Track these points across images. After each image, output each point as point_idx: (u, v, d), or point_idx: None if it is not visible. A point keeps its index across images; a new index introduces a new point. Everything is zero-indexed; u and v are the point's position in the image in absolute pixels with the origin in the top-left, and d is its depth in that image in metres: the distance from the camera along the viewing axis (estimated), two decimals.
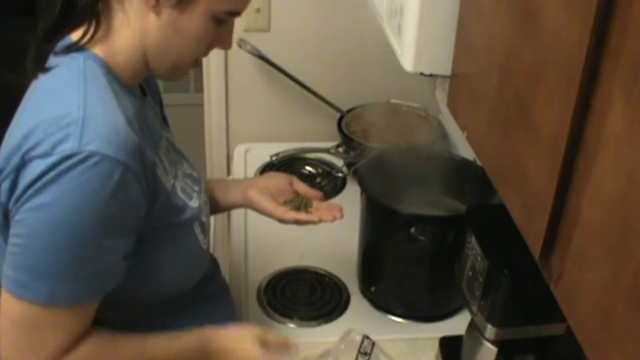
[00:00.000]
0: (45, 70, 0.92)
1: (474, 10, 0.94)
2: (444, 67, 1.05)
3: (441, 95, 1.78)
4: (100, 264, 0.90)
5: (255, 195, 1.24)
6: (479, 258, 1.06)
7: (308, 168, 1.85)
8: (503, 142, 0.82)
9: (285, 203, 1.23)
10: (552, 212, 0.68)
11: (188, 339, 1.01)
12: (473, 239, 1.08)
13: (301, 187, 1.27)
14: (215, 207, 1.25)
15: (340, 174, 1.84)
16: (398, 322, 1.40)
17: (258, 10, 1.83)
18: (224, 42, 1.01)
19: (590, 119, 0.62)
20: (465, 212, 1.18)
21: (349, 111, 1.86)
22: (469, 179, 1.37)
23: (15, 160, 0.85)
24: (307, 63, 1.89)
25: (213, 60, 1.89)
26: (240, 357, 1.03)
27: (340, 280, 1.48)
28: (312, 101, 1.90)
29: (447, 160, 1.46)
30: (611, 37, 0.58)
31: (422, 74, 1.07)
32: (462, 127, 0.98)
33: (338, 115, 1.85)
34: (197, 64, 1.02)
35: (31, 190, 0.84)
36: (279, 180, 1.29)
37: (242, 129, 1.98)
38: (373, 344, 1.28)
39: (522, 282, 1.01)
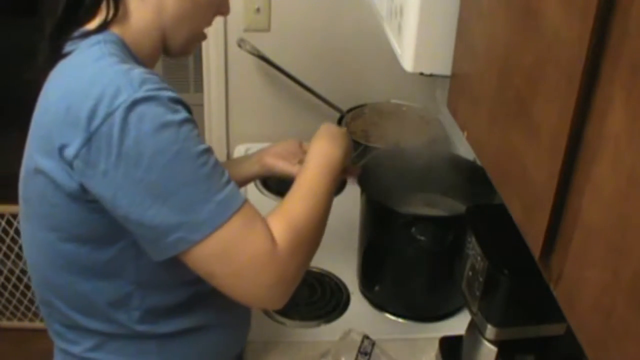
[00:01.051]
0: (64, 56, 0.94)
1: (474, 10, 0.94)
2: (444, 67, 1.04)
3: (441, 95, 1.78)
4: (218, 165, 0.92)
5: (271, 161, 1.30)
6: (479, 258, 1.06)
7: None
8: (503, 142, 0.82)
9: (300, 163, 1.28)
10: (552, 212, 0.68)
11: (314, 160, 1.09)
12: (473, 239, 1.08)
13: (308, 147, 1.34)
14: None
15: None
16: (398, 322, 1.40)
17: (258, 10, 1.83)
18: (224, 7, 1.08)
19: (590, 118, 0.62)
20: (465, 212, 1.18)
21: (349, 111, 1.86)
22: (469, 179, 1.37)
23: (80, 135, 0.85)
24: (307, 63, 1.89)
25: (213, 60, 1.89)
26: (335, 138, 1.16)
27: (340, 280, 1.48)
28: (312, 101, 1.90)
29: (447, 160, 1.46)
30: (611, 37, 0.58)
31: (422, 74, 1.07)
32: (462, 127, 0.98)
33: (338, 115, 1.85)
34: (205, 37, 1.09)
35: (113, 157, 0.85)
36: (288, 144, 1.35)
37: (242, 129, 1.98)
38: (373, 344, 1.28)
39: (522, 282, 1.01)
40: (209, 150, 0.91)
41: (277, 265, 0.93)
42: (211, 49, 1.87)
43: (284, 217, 0.97)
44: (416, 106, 1.87)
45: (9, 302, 2.63)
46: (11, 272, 2.61)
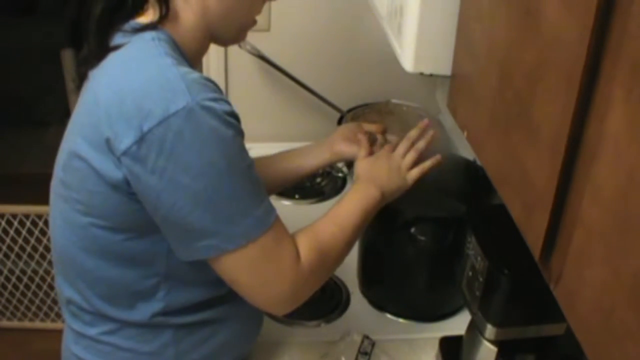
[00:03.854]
0: (115, 48, 0.94)
1: (474, 10, 0.94)
2: (444, 67, 1.05)
3: (441, 95, 1.78)
4: (259, 179, 0.95)
5: (343, 147, 1.33)
6: (479, 258, 1.06)
7: None
8: (503, 142, 0.82)
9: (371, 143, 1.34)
10: (552, 212, 0.68)
11: (351, 196, 1.14)
12: (473, 239, 1.08)
13: (369, 127, 1.39)
14: (297, 173, 1.36)
15: (340, 174, 1.84)
16: (398, 322, 1.40)
17: None
18: None
19: (590, 119, 0.62)
20: (465, 212, 1.18)
21: (349, 111, 1.86)
22: (469, 179, 1.37)
23: (133, 133, 0.86)
24: (307, 63, 1.89)
25: (213, 60, 1.89)
26: (385, 172, 1.20)
27: (340, 280, 1.48)
28: (312, 101, 1.90)
29: (447, 161, 1.45)
30: (611, 37, 0.58)
31: (422, 74, 1.07)
32: (462, 127, 0.98)
33: (338, 115, 1.85)
34: (255, 22, 1.08)
35: (162, 159, 0.86)
36: (351, 127, 1.39)
37: None
38: (373, 344, 1.28)
39: (522, 282, 1.01)
40: (252, 165, 0.93)
41: (297, 281, 0.98)
42: (211, 49, 1.86)
43: (312, 239, 1.01)
44: (416, 106, 1.87)
45: (9, 302, 2.62)
46: (11, 272, 2.60)
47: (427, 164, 1.25)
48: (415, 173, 1.23)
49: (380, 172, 1.20)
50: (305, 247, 0.99)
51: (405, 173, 1.22)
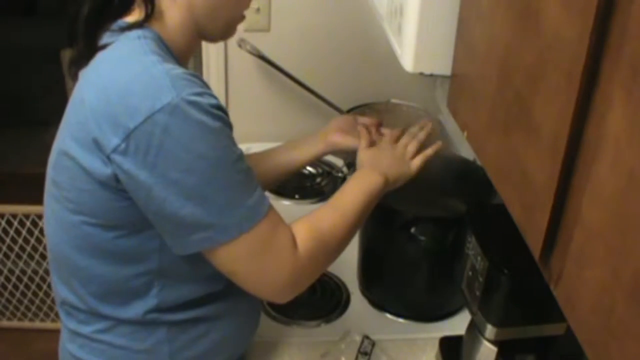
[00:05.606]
0: (103, 47, 0.95)
1: (474, 10, 0.95)
2: (444, 67, 1.05)
3: (441, 95, 1.78)
4: (250, 170, 0.95)
5: (337, 138, 1.34)
6: (479, 258, 1.06)
7: (308, 168, 1.85)
8: (503, 142, 0.82)
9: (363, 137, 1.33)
10: (552, 212, 0.68)
11: (353, 181, 1.15)
12: (473, 239, 1.08)
13: (364, 119, 1.39)
14: (290, 166, 1.36)
15: (340, 174, 1.83)
16: (398, 322, 1.40)
17: (258, 10, 1.83)
18: None
19: (590, 119, 0.62)
20: (465, 212, 1.18)
21: (349, 111, 1.85)
22: (469, 179, 1.37)
23: (120, 131, 0.86)
24: (307, 63, 1.89)
25: (213, 60, 1.89)
26: (389, 159, 1.21)
27: (340, 280, 1.48)
28: (312, 101, 1.90)
29: (447, 160, 1.45)
30: (611, 37, 0.58)
31: (422, 74, 1.07)
32: (462, 127, 0.98)
33: (338, 115, 1.85)
34: (244, 17, 1.08)
35: (151, 155, 0.86)
36: (346, 119, 1.40)
37: (242, 129, 1.97)
38: (373, 344, 1.28)
39: (522, 282, 1.01)
40: (242, 155, 0.94)
41: (295, 269, 0.98)
42: (211, 49, 1.87)
43: (310, 227, 1.02)
44: (416, 106, 1.86)
45: (9, 302, 2.63)
46: (11, 272, 2.60)
47: (429, 151, 1.26)
48: (418, 160, 1.24)
49: (384, 160, 1.21)
50: (303, 234, 0.99)
51: (408, 161, 1.23)
